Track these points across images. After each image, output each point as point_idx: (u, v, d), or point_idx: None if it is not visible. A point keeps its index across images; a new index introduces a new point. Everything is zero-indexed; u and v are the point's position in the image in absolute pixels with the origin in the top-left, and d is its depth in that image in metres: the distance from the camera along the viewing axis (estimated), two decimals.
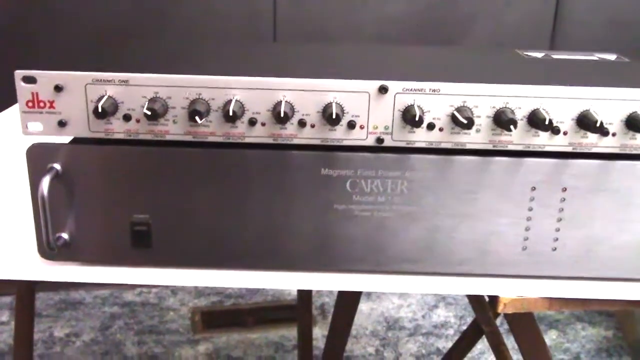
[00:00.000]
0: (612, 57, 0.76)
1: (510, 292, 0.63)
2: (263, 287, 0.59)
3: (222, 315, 1.83)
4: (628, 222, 0.61)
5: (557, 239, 0.62)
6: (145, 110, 0.56)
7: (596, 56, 0.76)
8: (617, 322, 1.80)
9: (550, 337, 1.75)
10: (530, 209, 0.61)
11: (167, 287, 1.93)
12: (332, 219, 0.62)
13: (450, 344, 1.67)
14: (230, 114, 0.56)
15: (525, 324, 0.69)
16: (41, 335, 1.69)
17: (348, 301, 1.18)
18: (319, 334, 1.71)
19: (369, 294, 1.93)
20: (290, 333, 1.72)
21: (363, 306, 1.88)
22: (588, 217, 0.61)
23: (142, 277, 0.63)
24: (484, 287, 0.64)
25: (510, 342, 1.20)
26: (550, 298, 0.64)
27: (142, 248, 0.62)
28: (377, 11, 1.79)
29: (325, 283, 0.64)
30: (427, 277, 0.64)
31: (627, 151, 0.59)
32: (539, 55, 0.76)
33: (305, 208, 0.61)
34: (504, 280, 0.64)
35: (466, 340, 1.28)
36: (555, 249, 0.62)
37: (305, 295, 1.37)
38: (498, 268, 0.63)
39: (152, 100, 0.57)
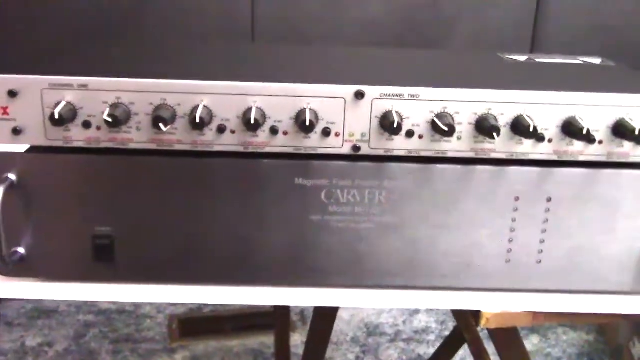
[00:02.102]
0: (596, 60, 0.73)
1: (493, 306, 0.60)
2: (234, 303, 0.56)
3: (199, 323, 1.80)
4: (615, 233, 0.59)
5: (541, 251, 0.59)
6: (105, 117, 0.53)
7: (580, 60, 0.74)
8: (598, 327, 1.79)
9: (532, 342, 1.73)
10: (514, 220, 0.58)
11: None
12: (307, 230, 0.58)
13: (431, 350, 1.65)
14: (198, 120, 0.53)
15: (508, 338, 0.67)
16: (12, 346, 1.64)
17: (327, 308, 1.15)
18: (299, 340, 1.68)
19: None
20: (269, 340, 1.69)
21: (343, 312, 1.85)
22: (573, 228, 0.59)
23: (104, 294, 0.59)
24: (466, 302, 0.61)
25: (491, 348, 1.18)
26: (535, 312, 0.61)
27: (104, 262, 0.58)
28: (358, 12, 1.76)
29: (301, 299, 0.60)
30: (407, 291, 0.61)
31: (614, 159, 0.57)
32: (521, 59, 0.73)
33: (278, 220, 0.58)
34: (487, 294, 0.61)
35: (448, 348, 1.26)
36: (539, 261, 0.60)
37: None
38: (480, 281, 0.60)
39: (114, 106, 0.54)
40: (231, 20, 1.70)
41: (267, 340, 1.69)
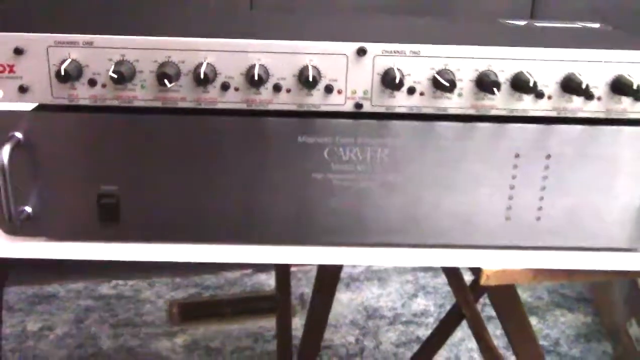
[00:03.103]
0: (595, 25, 0.74)
1: (493, 263, 0.61)
2: (238, 262, 0.57)
3: (199, 307, 1.80)
4: (614, 190, 0.60)
5: (541, 208, 0.60)
6: (111, 74, 0.53)
7: (579, 24, 0.74)
8: (595, 308, 1.80)
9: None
10: (514, 177, 0.59)
11: (143, 279, 1.89)
12: (310, 189, 0.59)
13: (430, 332, 1.66)
14: (202, 77, 0.53)
15: (507, 298, 0.67)
16: (13, 330, 1.65)
17: (325, 288, 1.16)
18: (299, 323, 1.69)
19: (347, 284, 1.91)
20: (269, 323, 1.69)
21: (342, 296, 1.86)
22: (573, 185, 0.59)
23: (110, 253, 0.60)
24: (466, 259, 0.62)
25: (490, 329, 1.19)
26: (535, 269, 0.62)
27: (110, 222, 0.59)
28: None
29: (304, 256, 0.61)
30: (409, 249, 0.62)
31: (613, 116, 0.58)
32: (521, 23, 0.74)
33: (281, 177, 0.59)
34: (487, 251, 0.62)
35: (446, 326, 1.27)
36: (539, 219, 0.60)
37: (284, 284, 1.35)
38: (481, 239, 0.61)
39: (119, 64, 0.54)
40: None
41: (266, 324, 1.70)
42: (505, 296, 0.67)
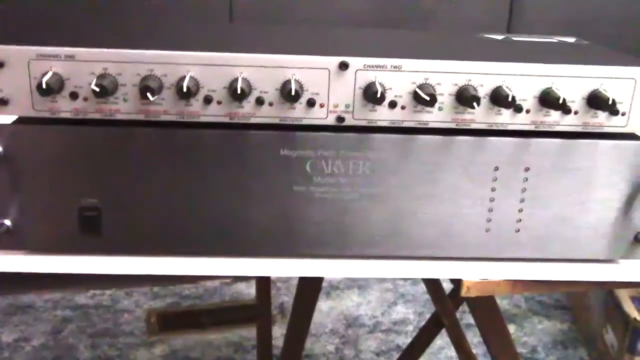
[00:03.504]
0: (571, 39, 0.76)
1: (473, 275, 0.62)
2: (220, 274, 0.57)
3: (178, 317, 1.79)
4: (591, 202, 0.61)
5: (520, 220, 0.61)
6: (93, 87, 0.53)
7: (555, 39, 0.76)
8: (572, 315, 1.83)
9: None
10: (493, 190, 0.60)
11: (121, 289, 1.87)
12: (292, 201, 0.59)
13: (409, 340, 1.67)
14: (184, 90, 0.53)
15: (487, 308, 0.68)
16: None
17: (306, 297, 1.16)
18: (279, 332, 1.69)
19: (328, 293, 1.91)
20: (249, 333, 1.69)
21: (322, 305, 1.86)
22: (551, 197, 0.61)
23: (91, 266, 0.60)
24: (447, 271, 0.62)
25: (469, 337, 1.20)
26: (514, 280, 0.63)
27: (91, 235, 0.59)
28: (336, 5, 1.78)
29: (285, 269, 0.61)
30: (390, 261, 0.62)
31: (589, 129, 0.59)
32: (499, 37, 0.75)
33: (264, 190, 0.59)
34: (467, 263, 0.63)
35: (425, 334, 1.27)
36: (518, 230, 0.61)
37: (264, 293, 1.34)
38: (461, 250, 0.62)
39: (101, 77, 0.54)
40: (208, 2, 1.71)
41: (247, 334, 1.69)
42: (484, 306, 0.68)
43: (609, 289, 1.47)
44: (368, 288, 1.95)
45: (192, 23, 0.77)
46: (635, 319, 1.44)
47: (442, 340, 1.63)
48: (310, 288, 1.13)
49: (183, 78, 0.54)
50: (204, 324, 1.75)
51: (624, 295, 1.50)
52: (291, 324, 1.23)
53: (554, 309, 1.87)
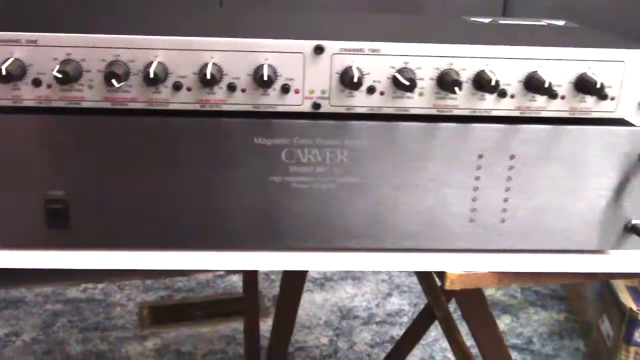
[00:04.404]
0: (560, 22, 0.73)
1: (458, 267, 0.60)
2: (193, 269, 0.55)
3: (170, 310, 1.77)
4: (579, 191, 0.58)
5: (505, 210, 0.59)
6: (55, 73, 0.51)
7: (544, 22, 0.73)
8: (568, 305, 1.81)
9: (503, 322, 1.74)
10: (478, 178, 0.58)
11: (113, 282, 1.86)
12: (268, 192, 0.57)
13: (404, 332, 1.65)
14: (152, 76, 0.51)
15: (473, 301, 0.66)
16: None
17: (291, 290, 1.14)
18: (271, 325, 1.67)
19: (322, 284, 1.90)
20: (241, 326, 1.67)
21: (316, 296, 1.84)
22: (537, 186, 0.58)
23: (59, 261, 0.57)
24: (430, 263, 0.60)
25: (463, 329, 1.18)
26: (500, 272, 0.60)
27: (58, 228, 0.57)
28: None
29: (262, 263, 0.59)
30: (372, 253, 0.60)
31: (577, 115, 0.57)
32: (485, 20, 0.73)
33: (238, 181, 0.56)
34: (452, 255, 0.60)
35: (418, 327, 1.26)
36: (503, 221, 0.59)
37: (251, 285, 1.33)
38: (445, 242, 0.60)
39: (64, 63, 0.52)
40: None
41: (239, 326, 1.68)
42: (471, 299, 0.66)
43: (599, 280, 1.45)
44: (363, 279, 1.93)
45: (174, 8, 0.74)
46: (631, 309, 1.42)
47: (436, 331, 1.61)
48: (294, 280, 1.11)
49: (150, 64, 0.52)
50: (196, 317, 1.74)
51: (620, 285, 1.48)
52: (277, 316, 1.22)
53: (550, 299, 1.85)
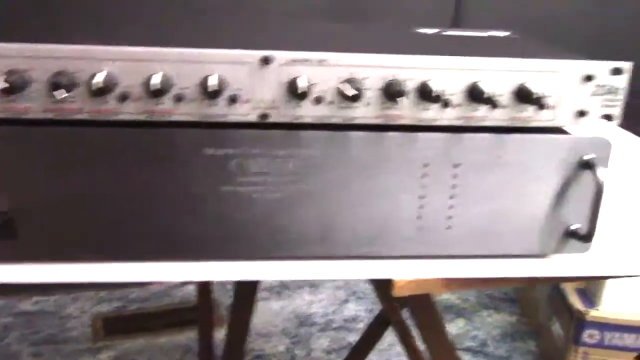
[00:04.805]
0: (503, 33, 0.75)
1: (405, 274, 0.61)
2: (144, 280, 0.55)
3: (125, 321, 1.75)
4: (522, 198, 0.60)
5: (451, 217, 0.60)
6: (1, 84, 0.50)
7: (487, 33, 0.75)
8: (520, 308, 1.85)
9: (458, 325, 1.77)
10: (423, 186, 0.59)
11: (66, 294, 1.83)
12: (219, 202, 0.57)
13: None
14: (98, 87, 0.51)
15: (422, 307, 0.67)
16: None
17: (243, 299, 1.14)
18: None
19: (279, 292, 1.90)
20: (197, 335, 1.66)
21: (274, 304, 1.84)
22: (481, 193, 0.60)
23: (7, 275, 0.56)
24: (378, 270, 0.61)
25: (418, 334, 1.19)
26: (447, 278, 0.62)
27: (5, 240, 0.56)
28: None
29: (215, 273, 0.59)
30: (321, 261, 0.61)
31: (519, 124, 0.58)
32: (430, 31, 0.74)
33: (188, 191, 0.56)
34: (399, 262, 0.61)
35: (373, 332, 1.27)
36: (450, 227, 0.61)
37: (205, 295, 1.32)
38: (393, 249, 0.61)
39: (9, 73, 0.51)
40: None
41: (195, 336, 1.66)
42: (420, 304, 0.67)
43: (543, 284, 1.49)
44: (320, 286, 1.94)
45: (125, 16, 0.74)
46: (579, 310, 1.46)
47: (392, 337, 1.63)
48: (246, 289, 1.12)
49: (96, 75, 0.52)
50: (151, 328, 1.72)
51: (568, 288, 1.52)
52: (230, 326, 1.22)
53: (503, 302, 1.89)
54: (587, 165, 0.59)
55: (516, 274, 0.62)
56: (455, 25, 1.84)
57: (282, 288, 1.91)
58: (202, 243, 0.59)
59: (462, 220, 0.60)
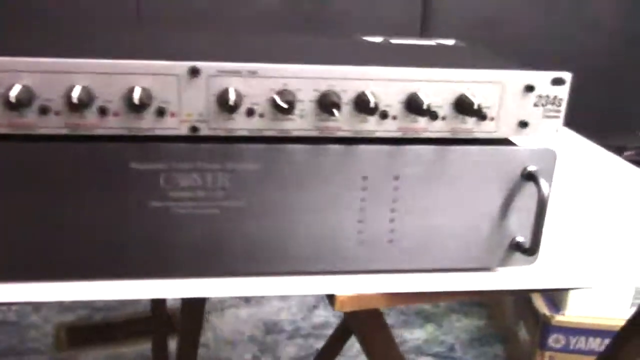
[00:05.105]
0: (450, 42, 0.74)
1: (347, 289, 0.59)
2: (82, 299, 0.53)
3: (89, 331, 1.71)
4: (465, 210, 0.59)
5: (393, 230, 0.58)
6: None
7: (434, 42, 0.74)
8: (489, 312, 1.84)
9: (427, 331, 1.76)
10: (363, 200, 0.57)
11: (28, 303, 1.78)
12: (149, 218, 0.55)
13: None
14: (14, 101, 0.48)
15: (368, 323, 0.65)
16: None
17: (192, 311, 1.12)
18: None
19: (247, 299, 1.87)
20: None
21: (242, 312, 1.82)
22: (424, 206, 0.58)
23: None
24: (320, 286, 0.59)
25: None
26: (391, 293, 0.60)
27: None
28: (249, 4, 1.74)
29: (144, 291, 0.57)
30: (259, 278, 0.59)
31: (460, 135, 0.57)
32: (377, 40, 0.72)
33: (115, 208, 0.54)
34: (341, 277, 0.60)
35: (336, 339, 1.25)
36: (392, 241, 0.59)
37: (158, 307, 1.30)
38: (334, 264, 0.59)
39: None
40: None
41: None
42: (367, 320, 0.65)
43: (489, 297, 1.48)
44: None
45: (47, 27, 0.71)
46: (544, 315, 1.45)
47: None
48: (192, 304, 1.09)
49: (13, 87, 0.49)
50: (116, 337, 1.69)
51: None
52: (180, 337, 1.19)
53: (472, 306, 1.88)
54: (530, 177, 0.58)
55: (461, 288, 0.61)
56: (424, 31, 1.83)
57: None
58: (134, 260, 0.56)
59: (405, 233, 0.58)
